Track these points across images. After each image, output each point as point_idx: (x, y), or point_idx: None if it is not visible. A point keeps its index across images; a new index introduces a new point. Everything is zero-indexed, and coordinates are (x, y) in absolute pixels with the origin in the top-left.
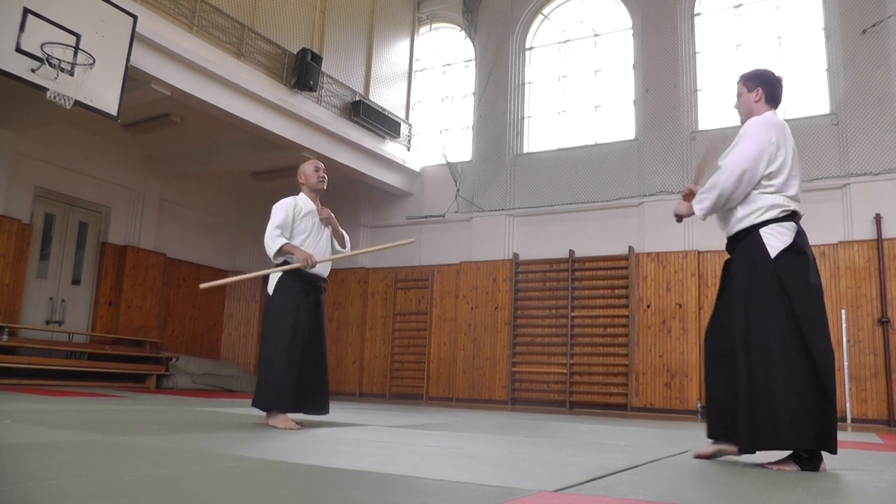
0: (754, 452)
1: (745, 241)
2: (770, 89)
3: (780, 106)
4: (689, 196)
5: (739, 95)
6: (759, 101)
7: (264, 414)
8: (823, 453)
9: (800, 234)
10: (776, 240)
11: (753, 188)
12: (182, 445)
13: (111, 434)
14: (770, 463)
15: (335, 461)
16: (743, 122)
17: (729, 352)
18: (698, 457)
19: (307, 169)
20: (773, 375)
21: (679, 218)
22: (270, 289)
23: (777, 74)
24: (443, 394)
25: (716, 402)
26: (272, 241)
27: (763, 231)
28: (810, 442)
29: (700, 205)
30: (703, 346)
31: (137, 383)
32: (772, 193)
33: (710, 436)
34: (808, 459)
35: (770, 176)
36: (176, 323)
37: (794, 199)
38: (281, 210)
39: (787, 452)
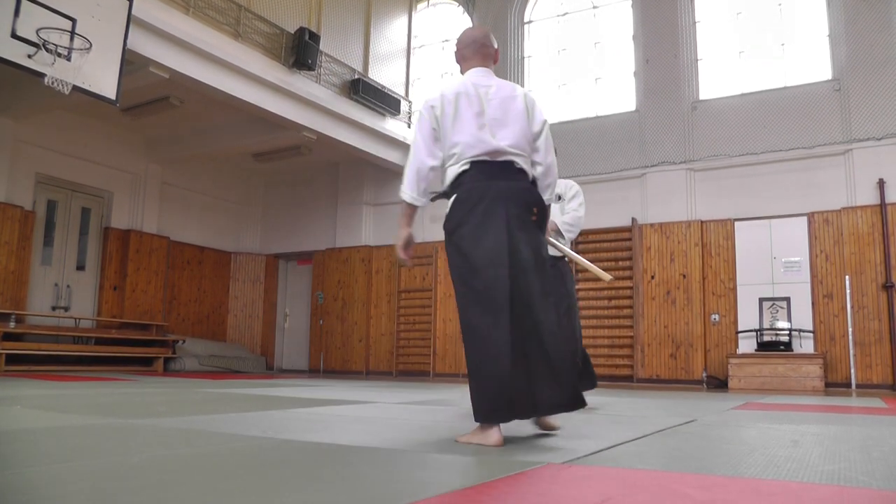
0: None
1: None
2: None
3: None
4: None
5: None
6: None
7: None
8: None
9: None
10: None
11: None
12: (191, 426)
13: (121, 417)
14: None
15: (343, 439)
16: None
17: None
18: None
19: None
20: None
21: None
22: None
23: None
24: (449, 370)
25: None
26: None
27: None
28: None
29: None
30: None
31: (145, 367)
32: None
33: None
34: None
35: None
36: (181, 306)
37: None
38: None
39: None
